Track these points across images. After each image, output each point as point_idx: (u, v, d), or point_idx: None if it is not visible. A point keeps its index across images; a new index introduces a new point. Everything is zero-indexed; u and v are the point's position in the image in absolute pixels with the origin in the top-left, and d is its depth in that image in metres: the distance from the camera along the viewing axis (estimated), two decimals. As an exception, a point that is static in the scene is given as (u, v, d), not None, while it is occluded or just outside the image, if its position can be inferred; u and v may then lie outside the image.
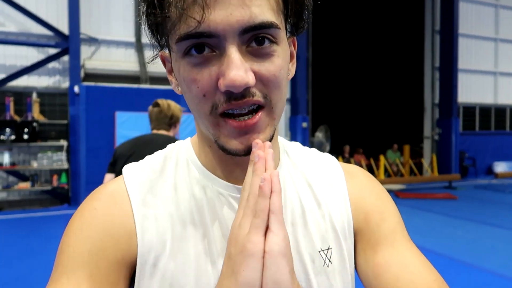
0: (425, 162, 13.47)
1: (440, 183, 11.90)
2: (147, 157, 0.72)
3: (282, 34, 0.58)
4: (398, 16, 16.05)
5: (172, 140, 2.64)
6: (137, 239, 0.60)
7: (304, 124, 11.37)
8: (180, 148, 0.72)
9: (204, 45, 0.54)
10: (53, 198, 9.21)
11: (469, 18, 14.47)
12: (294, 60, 0.69)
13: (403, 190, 11.04)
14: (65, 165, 8.88)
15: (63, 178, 8.97)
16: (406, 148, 13.78)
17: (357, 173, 0.75)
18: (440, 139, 13.81)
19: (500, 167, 14.50)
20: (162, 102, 2.84)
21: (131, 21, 10.07)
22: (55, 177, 8.95)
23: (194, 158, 0.69)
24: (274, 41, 0.56)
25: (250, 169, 0.54)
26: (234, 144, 0.57)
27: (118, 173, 2.75)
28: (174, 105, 2.85)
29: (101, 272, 0.57)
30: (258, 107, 0.57)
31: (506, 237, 6.12)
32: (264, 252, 0.49)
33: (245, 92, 0.55)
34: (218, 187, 0.65)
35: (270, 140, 0.58)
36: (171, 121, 2.84)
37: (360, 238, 0.70)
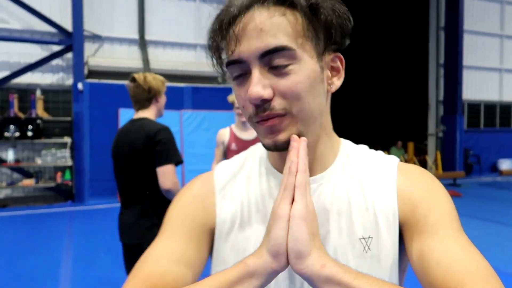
0: (429, 159, 13.41)
1: (444, 180, 11.85)
2: (236, 156, 0.92)
3: (300, 53, 0.69)
4: (403, 12, 15.96)
5: (146, 129, 2.43)
6: (216, 213, 0.83)
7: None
8: (257, 147, 0.90)
9: (241, 70, 0.72)
10: (57, 195, 9.24)
11: (474, 14, 14.36)
12: (340, 73, 0.80)
13: (407, 187, 10.99)
14: (69, 162, 8.90)
15: (67, 175, 9.00)
16: (410, 145, 13.73)
17: (411, 170, 0.83)
18: (445, 136, 13.75)
19: (505, 164, 14.41)
20: (139, 75, 2.64)
21: (134, 18, 10.06)
22: (59, 174, 8.97)
23: (264, 156, 0.86)
24: (290, 61, 0.69)
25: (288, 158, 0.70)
26: (266, 141, 0.73)
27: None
28: (152, 77, 2.63)
29: (191, 230, 0.80)
30: (278, 115, 0.70)
31: (511, 235, 6.09)
32: (289, 216, 0.65)
33: (266, 106, 0.69)
34: (276, 179, 0.82)
35: (299, 136, 0.71)
36: (150, 95, 2.59)
37: (407, 228, 0.76)
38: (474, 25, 14.35)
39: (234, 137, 3.57)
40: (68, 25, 9.12)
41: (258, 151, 0.89)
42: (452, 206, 0.81)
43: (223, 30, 0.74)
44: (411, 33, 15.99)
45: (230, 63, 0.72)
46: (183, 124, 9.46)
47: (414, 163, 11.87)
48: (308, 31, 0.70)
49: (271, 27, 0.68)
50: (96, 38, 9.65)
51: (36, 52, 9.13)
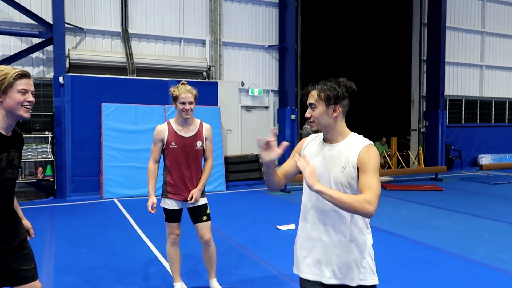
0: (412, 154, 13.59)
1: (426, 175, 12.04)
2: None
3: (319, 104, 2.06)
4: (387, 8, 16.08)
5: None
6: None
7: (293, 117, 11.36)
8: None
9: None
10: (38, 191, 9.06)
11: (456, 11, 14.57)
12: (336, 111, 2.04)
13: (390, 182, 11.13)
14: (50, 157, 8.73)
15: (48, 171, 8.82)
16: (394, 140, 13.89)
17: (367, 147, 2.00)
18: (427, 132, 13.95)
19: (485, 159, 14.72)
20: None
21: (117, 10, 9.88)
22: (40, 170, 8.79)
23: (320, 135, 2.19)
24: (314, 107, 2.06)
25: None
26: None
27: None
28: None
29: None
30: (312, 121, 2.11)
31: (492, 228, 6.22)
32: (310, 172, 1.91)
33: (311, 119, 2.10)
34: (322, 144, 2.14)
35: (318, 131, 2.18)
36: None
37: (359, 169, 1.97)
38: (456, 22, 14.56)
39: (174, 134, 3.50)
40: (48, 16, 8.91)
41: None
42: (376, 162, 1.97)
43: (304, 97, 2.15)
44: (394, 29, 16.13)
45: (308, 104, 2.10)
46: (167, 119, 9.36)
47: (397, 158, 11.97)
48: (319, 98, 2.05)
49: (310, 96, 2.09)
50: (77, 30, 9.46)
51: (15, 45, 8.90)
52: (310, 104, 2.05)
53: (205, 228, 3.62)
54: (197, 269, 4.46)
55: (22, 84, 2.10)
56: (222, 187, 9.82)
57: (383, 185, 10.22)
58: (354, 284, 2.04)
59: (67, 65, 9.13)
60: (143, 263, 4.64)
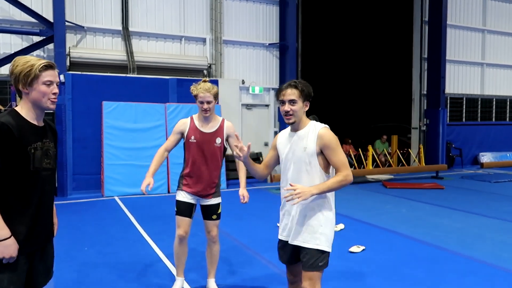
0: (413, 153, 13.59)
1: (427, 173, 12.04)
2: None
3: (299, 100, 2.57)
4: (387, 6, 16.04)
5: None
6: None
7: (293, 114, 11.35)
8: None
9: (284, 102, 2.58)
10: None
11: (457, 9, 14.54)
12: (307, 106, 2.62)
13: (391, 180, 11.14)
14: (51, 156, 8.73)
15: (49, 169, 8.83)
16: (394, 139, 13.88)
17: (322, 130, 2.54)
18: (428, 130, 13.93)
19: (486, 157, 14.71)
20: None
21: (118, 8, 9.88)
22: (41, 168, 8.79)
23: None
24: (295, 103, 2.56)
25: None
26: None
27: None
28: (22, 61, 2.03)
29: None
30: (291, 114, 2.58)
31: (492, 226, 6.22)
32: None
33: (289, 113, 2.57)
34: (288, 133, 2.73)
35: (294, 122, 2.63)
36: (16, 85, 2.03)
37: (322, 151, 2.52)
38: (457, 20, 14.53)
39: (195, 128, 3.56)
40: (49, 15, 8.91)
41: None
42: (335, 140, 2.51)
43: (279, 93, 2.60)
44: (395, 27, 16.10)
45: (280, 101, 2.59)
46: (167, 117, 9.37)
47: (398, 156, 11.93)
48: (300, 95, 2.56)
49: (291, 93, 2.55)
50: (78, 28, 9.45)
51: (16, 43, 8.90)
52: (291, 100, 2.52)
53: (213, 225, 3.69)
54: (203, 264, 4.46)
55: (47, 75, 2.03)
56: (223, 185, 9.83)
57: (384, 183, 10.23)
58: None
59: (68, 63, 9.13)
60: (144, 261, 4.65)
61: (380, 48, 17.59)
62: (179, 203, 3.59)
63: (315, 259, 2.48)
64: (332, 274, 4.27)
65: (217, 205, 3.71)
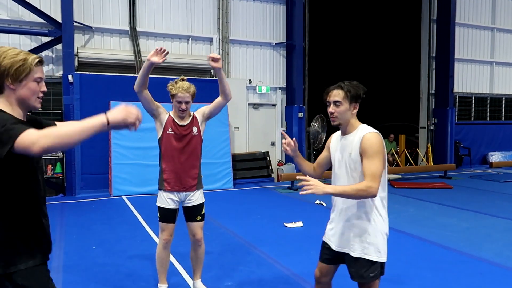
0: (421, 152, 13.50)
1: (435, 172, 11.95)
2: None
3: (344, 102, 2.47)
4: (395, 5, 15.94)
5: None
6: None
7: (300, 114, 11.33)
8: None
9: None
10: (48, 188, 9.14)
11: (466, 7, 14.41)
12: (356, 109, 2.53)
13: (399, 179, 11.07)
14: (60, 155, 8.81)
15: (58, 168, 8.91)
16: (402, 138, 13.80)
17: (367, 135, 2.39)
18: (436, 129, 13.83)
19: (495, 156, 14.57)
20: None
21: (125, 9, 9.93)
22: (49, 167, 8.88)
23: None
24: (340, 104, 2.47)
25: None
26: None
27: None
28: (9, 53, 1.80)
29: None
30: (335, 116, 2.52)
31: (501, 226, 6.16)
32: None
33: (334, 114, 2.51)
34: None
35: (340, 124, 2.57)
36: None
37: (362, 155, 2.39)
38: (466, 18, 14.41)
39: (172, 121, 3.52)
40: (57, 15, 8.98)
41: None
42: (377, 151, 2.34)
43: (325, 94, 2.56)
44: (403, 26, 16.00)
45: (326, 102, 2.53)
46: (175, 117, 9.40)
47: (406, 156, 11.88)
48: (346, 96, 2.46)
49: (336, 94, 2.48)
50: (86, 29, 9.52)
51: (25, 43, 8.98)
52: (335, 101, 2.44)
53: (197, 227, 3.58)
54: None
55: (39, 71, 1.84)
56: (230, 184, 9.85)
57: (391, 183, 10.17)
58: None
59: (76, 64, 9.20)
60: (151, 260, 4.67)
61: (387, 47, 17.49)
62: (161, 210, 3.48)
63: (364, 270, 2.40)
64: (338, 273, 4.26)
65: (201, 205, 3.57)
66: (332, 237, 2.60)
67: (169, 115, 3.57)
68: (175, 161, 3.47)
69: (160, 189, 3.53)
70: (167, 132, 3.49)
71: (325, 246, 2.68)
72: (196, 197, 3.55)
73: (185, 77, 3.56)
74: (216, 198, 8.60)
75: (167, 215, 3.48)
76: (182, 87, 3.40)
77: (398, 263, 4.53)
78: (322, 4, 14.96)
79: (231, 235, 5.74)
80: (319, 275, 2.72)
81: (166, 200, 3.48)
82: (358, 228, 2.43)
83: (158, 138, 3.58)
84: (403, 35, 16.23)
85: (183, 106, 3.43)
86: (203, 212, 3.60)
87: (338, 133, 2.64)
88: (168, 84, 3.51)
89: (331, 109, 2.46)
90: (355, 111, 2.48)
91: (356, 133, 2.44)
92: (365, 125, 2.49)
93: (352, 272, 2.46)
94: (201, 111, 3.67)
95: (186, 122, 3.55)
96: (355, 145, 2.40)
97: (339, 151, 2.54)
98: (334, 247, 2.57)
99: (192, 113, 3.65)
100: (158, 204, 3.51)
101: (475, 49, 14.71)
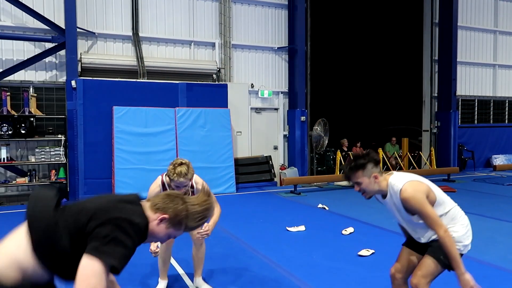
0: (424, 155, 13.46)
1: (438, 176, 11.91)
2: None
3: (363, 180, 2.61)
4: (397, 8, 15.96)
5: None
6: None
7: (303, 118, 11.35)
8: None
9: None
10: (52, 193, 9.18)
11: (468, 10, 14.41)
12: (377, 178, 2.61)
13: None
14: (63, 160, 8.86)
15: (61, 173, 8.95)
16: (405, 141, 13.76)
17: (402, 196, 2.53)
18: (439, 132, 13.80)
19: (499, 159, 14.51)
20: None
21: (128, 14, 10.00)
22: (53, 172, 8.92)
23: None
24: (361, 183, 2.62)
25: None
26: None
27: None
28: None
29: None
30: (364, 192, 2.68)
31: (505, 229, 6.13)
32: None
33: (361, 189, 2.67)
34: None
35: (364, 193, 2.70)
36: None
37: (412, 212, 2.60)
38: (468, 21, 14.40)
39: (163, 186, 3.58)
40: (61, 21, 9.05)
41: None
42: (419, 200, 2.49)
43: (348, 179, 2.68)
44: (405, 29, 16.00)
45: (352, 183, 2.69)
46: (177, 121, 9.43)
47: (409, 159, 11.82)
48: (362, 175, 2.58)
49: (353, 177, 2.61)
50: (89, 35, 9.59)
51: (29, 49, 9.06)
52: (356, 182, 2.61)
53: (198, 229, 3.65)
54: (209, 270, 4.48)
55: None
56: (232, 189, 9.85)
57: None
58: None
59: (79, 69, 9.26)
60: (152, 264, 4.68)
61: (390, 51, 17.50)
62: None
63: (439, 250, 2.57)
64: (339, 278, 4.26)
65: None
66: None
67: (162, 180, 3.58)
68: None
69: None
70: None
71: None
72: None
73: (184, 161, 3.40)
74: (218, 202, 8.58)
75: None
76: (182, 173, 3.29)
77: (401, 266, 4.52)
78: (324, 8, 15.01)
79: (234, 239, 5.74)
80: (397, 267, 2.97)
81: None
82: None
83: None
84: (406, 39, 16.24)
85: (183, 190, 3.39)
86: None
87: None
88: (169, 167, 3.36)
89: (356, 189, 2.64)
90: (378, 178, 2.60)
91: (391, 193, 2.61)
92: (391, 181, 2.60)
93: (428, 249, 2.71)
94: (198, 182, 3.67)
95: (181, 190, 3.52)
96: (398, 205, 2.60)
97: (391, 209, 2.72)
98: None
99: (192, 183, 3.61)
100: None
101: (477, 52, 14.70)
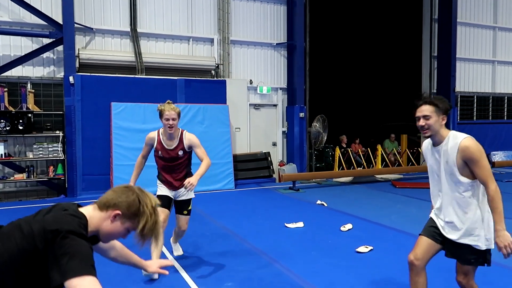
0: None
1: (437, 172, 11.90)
2: None
3: (433, 115, 2.71)
4: (396, 4, 15.91)
5: None
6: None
7: (301, 114, 11.32)
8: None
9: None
10: (50, 189, 9.18)
11: (467, 6, 14.38)
12: (444, 120, 2.74)
13: (400, 179, 11.05)
14: (61, 156, 8.83)
15: (59, 169, 8.93)
16: (404, 138, 13.76)
17: (461, 145, 2.62)
18: (438, 129, 13.78)
19: (498, 156, 14.52)
20: None
21: (126, 10, 9.94)
22: (51, 168, 8.90)
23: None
24: (430, 118, 2.71)
25: None
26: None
27: None
28: None
29: None
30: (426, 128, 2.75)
31: (503, 226, 6.12)
32: None
33: (425, 126, 2.75)
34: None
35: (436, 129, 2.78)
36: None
37: (467, 164, 2.67)
38: (468, 17, 14.37)
39: (160, 143, 4.15)
40: (58, 17, 9.00)
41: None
42: (477, 153, 2.61)
43: (414, 110, 2.78)
44: (404, 25, 15.96)
45: (416, 117, 2.77)
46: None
47: (407, 155, 11.81)
48: (436, 110, 2.70)
49: (425, 110, 2.73)
50: (87, 30, 9.54)
51: (26, 45, 9.01)
52: (425, 116, 2.69)
53: (184, 220, 4.29)
54: (202, 263, 4.47)
55: None
56: (231, 185, 9.84)
57: (393, 183, 10.15)
58: None
59: (77, 65, 9.22)
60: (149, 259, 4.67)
61: (389, 47, 17.45)
62: (159, 197, 4.00)
63: (467, 256, 2.74)
64: (338, 274, 4.25)
65: (189, 201, 4.25)
66: (442, 228, 2.94)
67: (158, 135, 4.19)
68: (165, 172, 4.22)
69: (158, 182, 4.32)
70: (157, 155, 4.18)
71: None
72: (184, 193, 4.19)
73: (171, 101, 4.18)
74: (217, 198, 8.60)
75: (162, 199, 3.98)
76: (169, 107, 4.04)
77: (398, 263, 4.52)
78: (323, 4, 14.95)
79: (232, 236, 5.73)
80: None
81: (163, 189, 4.24)
82: (466, 223, 2.75)
83: (153, 153, 4.24)
84: (405, 35, 16.19)
85: (171, 122, 4.01)
86: (190, 208, 4.27)
87: (428, 142, 2.88)
88: (158, 106, 4.13)
89: (421, 122, 2.70)
90: (444, 122, 2.71)
91: (448, 142, 2.69)
92: (454, 132, 2.72)
93: (458, 257, 2.87)
94: (190, 139, 4.18)
95: (173, 145, 4.14)
96: (451, 153, 2.65)
97: (433, 160, 2.82)
98: (446, 235, 2.88)
99: (181, 131, 4.21)
100: (158, 193, 4.21)
101: (477, 48, 14.67)
